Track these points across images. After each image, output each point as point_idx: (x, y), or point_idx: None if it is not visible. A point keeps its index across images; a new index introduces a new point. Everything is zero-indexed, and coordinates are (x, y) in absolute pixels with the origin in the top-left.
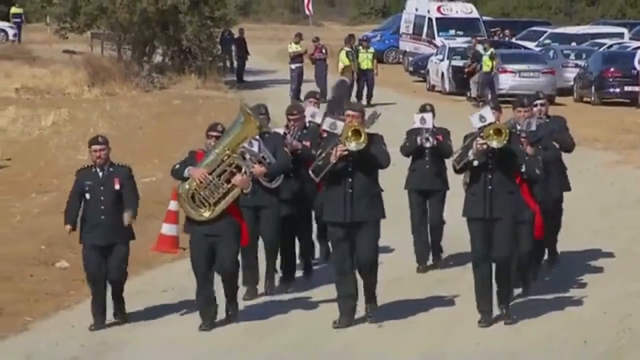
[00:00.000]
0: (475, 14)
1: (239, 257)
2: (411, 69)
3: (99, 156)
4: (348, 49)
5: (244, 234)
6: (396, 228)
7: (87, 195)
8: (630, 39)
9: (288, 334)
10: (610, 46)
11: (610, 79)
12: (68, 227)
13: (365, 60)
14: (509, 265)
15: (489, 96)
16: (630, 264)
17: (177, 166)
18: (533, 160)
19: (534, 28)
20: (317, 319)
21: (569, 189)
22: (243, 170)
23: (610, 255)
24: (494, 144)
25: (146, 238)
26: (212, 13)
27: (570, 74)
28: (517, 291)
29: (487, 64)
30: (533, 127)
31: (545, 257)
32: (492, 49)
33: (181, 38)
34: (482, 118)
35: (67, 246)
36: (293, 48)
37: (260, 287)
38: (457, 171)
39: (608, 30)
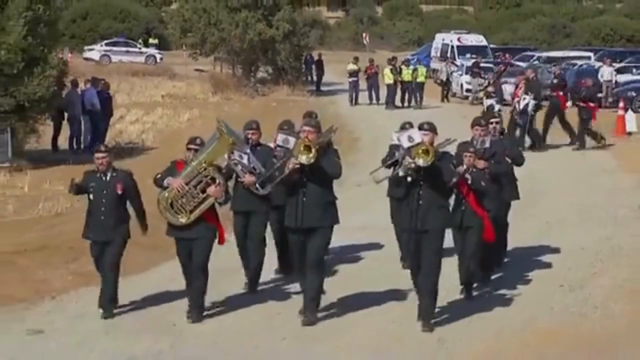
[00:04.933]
0: (484, 42)
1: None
2: (439, 81)
3: (102, 163)
4: (391, 67)
5: (221, 234)
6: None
7: (91, 196)
8: (595, 60)
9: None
10: (581, 65)
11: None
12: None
13: (407, 74)
14: (434, 274)
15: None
16: (601, 216)
17: (159, 176)
18: (479, 173)
19: (526, 53)
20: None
21: (517, 197)
22: (217, 181)
23: (585, 209)
24: (420, 162)
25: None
26: (299, 42)
27: None
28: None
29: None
30: (487, 144)
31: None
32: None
33: (277, 60)
34: (410, 138)
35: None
36: (351, 66)
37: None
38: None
39: (579, 54)
